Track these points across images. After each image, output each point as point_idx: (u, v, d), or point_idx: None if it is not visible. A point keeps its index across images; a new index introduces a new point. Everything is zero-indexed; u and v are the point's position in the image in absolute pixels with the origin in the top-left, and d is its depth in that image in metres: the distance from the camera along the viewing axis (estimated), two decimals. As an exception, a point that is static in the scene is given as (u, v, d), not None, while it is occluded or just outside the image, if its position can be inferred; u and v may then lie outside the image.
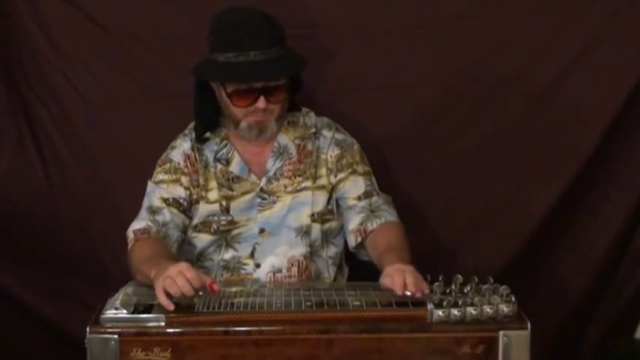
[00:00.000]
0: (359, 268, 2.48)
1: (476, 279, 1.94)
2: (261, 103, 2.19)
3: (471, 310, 1.89)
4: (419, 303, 1.93)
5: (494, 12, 2.59)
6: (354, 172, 2.33)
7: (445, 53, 2.60)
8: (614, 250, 2.67)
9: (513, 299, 1.91)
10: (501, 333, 1.88)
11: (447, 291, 1.94)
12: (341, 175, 2.33)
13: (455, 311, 1.89)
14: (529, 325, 1.90)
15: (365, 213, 2.29)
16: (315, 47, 2.60)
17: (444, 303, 1.90)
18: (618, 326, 2.68)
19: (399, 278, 1.96)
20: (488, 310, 1.90)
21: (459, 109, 2.63)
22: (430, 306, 1.90)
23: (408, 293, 1.94)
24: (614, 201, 2.64)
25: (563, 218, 2.65)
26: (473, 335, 1.89)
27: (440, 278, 1.95)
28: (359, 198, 2.31)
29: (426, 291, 1.95)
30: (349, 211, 2.32)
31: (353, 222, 2.31)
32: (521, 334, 1.89)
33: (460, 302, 1.90)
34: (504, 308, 1.90)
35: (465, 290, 1.93)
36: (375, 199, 2.31)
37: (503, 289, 1.92)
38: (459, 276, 1.95)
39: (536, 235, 2.65)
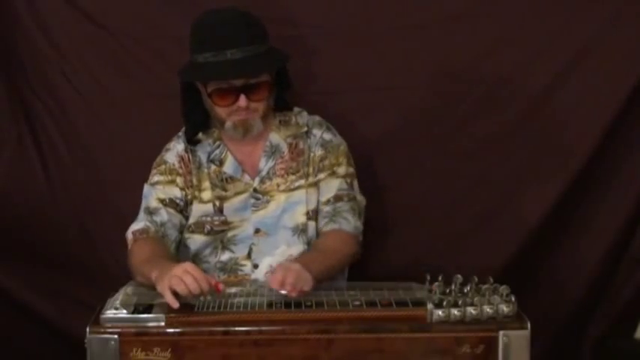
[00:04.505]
0: (359, 268, 2.49)
1: (476, 279, 1.94)
2: (242, 101, 2.20)
3: (470, 310, 1.89)
4: (419, 303, 1.93)
5: (494, 12, 2.59)
6: (332, 173, 2.33)
7: (445, 53, 2.60)
8: (614, 250, 2.66)
9: (513, 299, 1.91)
10: (501, 333, 1.89)
11: (447, 291, 1.94)
12: (320, 176, 2.33)
13: (455, 311, 1.89)
14: (529, 325, 1.90)
15: (328, 218, 2.30)
16: (315, 47, 2.60)
17: (444, 303, 1.90)
18: (618, 326, 2.67)
19: (279, 275, 1.97)
20: (488, 310, 1.90)
21: (458, 109, 2.63)
22: (430, 306, 1.90)
23: (284, 291, 1.95)
24: (614, 201, 2.64)
25: (562, 218, 2.65)
26: (473, 335, 1.89)
27: (440, 278, 1.95)
28: (327, 202, 2.31)
29: (306, 288, 1.97)
30: (319, 214, 2.32)
31: (319, 225, 2.32)
32: (521, 334, 1.89)
33: (460, 302, 1.91)
34: (504, 308, 1.90)
35: (465, 290, 1.93)
36: (340, 204, 2.31)
37: (503, 289, 1.92)
38: (459, 276, 1.95)
39: (536, 235, 2.65)
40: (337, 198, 2.31)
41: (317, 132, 2.36)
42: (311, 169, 2.33)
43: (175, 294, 1.94)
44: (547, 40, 2.58)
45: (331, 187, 2.32)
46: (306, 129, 2.36)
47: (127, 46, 2.64)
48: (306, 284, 1.98)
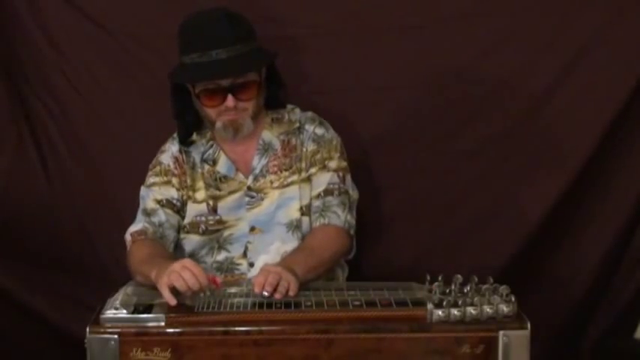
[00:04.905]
0: (358, 268, 2.49)
1: (476, 279, 1.94)
2: (229, 101, 2.21)
3: (470, 310, 1.89)
4: (419, 303, 1.93)
5: (494, 12, 2.59)
6: (323, 167, 2.33)
7: (445, 53, 2.60)
8: (614, 250, 2.66)
9: (513, 299, 1.91)
10: (501, 333, 1.89)
11: (447, 291, 1.94)
12: (312, 171, 2.33)
13: (455, 311, 1.89)
14: (529, 325, 1.90)
15: (318, 213, 2.30)
16: (314, 47, 2.60)
17: (444, 303, 1.90)
18: (618, 326, 2.67)
19: (261, 277, 1.98)
20: (488, 310, 1.90)
21: (458, 109, 2.63)
22: (430, 306, 1.90)
23: (265, 293, 1.96)
24: (614, 201, 2.64)
25: (562, 218, 2.65)
26: (473, 335, 1.89)
27: (440, 278, 1.95)
28: (318, 196, 2.31)
29: (291, 293, 1.97)
30: (310, 209, 2.32)
31: (311, 220, 2.32)
32: (521, 334, 1.89)
33: (460, 302, 1.91)
34: (504, 308, 1.90)
35: (465, 290, 1.93)
36: (330, 198, 2.30)
37: (503, 289, 1.92)
38: (459, 276, 1.95)
39: (536, 235, 2.65)
40: (327, 192, 2.31)
41: (309, 127, 2.36)
42: (304, 165, 2.33)
43: (175, 292, 1.95)
44: (547, 40, 2.58)
45: (322, 181, 2.32)
46: (298, 125, 2.36)
47: (127, 46, 2.64)
48: (291, 286, 1.99)
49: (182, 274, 1.94)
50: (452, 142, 2.65)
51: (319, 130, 2.36)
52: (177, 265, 1.96)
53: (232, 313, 1.93)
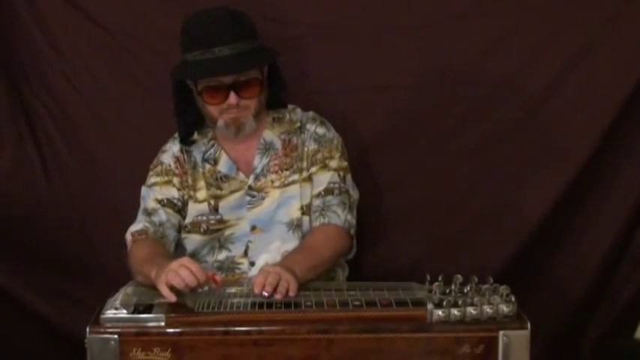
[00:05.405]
0: (358, 268, 2.49)
1: (476, 279, 1.94)
2: (232, 99, 2.21)
3: (470, 310, 1.89)
4: (419, 303, 1.93)
5: (494, 12, 2.59)
6: (324, 166, 2.33)
7: (445, 53, 2.60)
8: (614, 250, 2.66)
9: (513, 299, 1.91)
10: (501, 333, 1.89)
11: (447, 291, 1.94)
12: (312, 170, 2.33)
13: (455, 311, 1.89)
14: (529, 325, 1.90)
15: (318, 212, 2.30)
16: (314, 47, 2.60)
17: (444, 303, 1.90)
18: (618, 326, 2.67)
19: (261, 277, 1.99)
20: (488, 310, 1.90)
21: (458, 109, 2.63)
22: (430, 306, 1.90)
23: (266, 294, 1.96)
24: (614, 201, 2.64)
25: (562, 218, 2.65)
26: (473, 335, 1.89)
27: (440, 278, 1.95)
28: (318, 195, 2.31)
29: (291, 294, 1.98)
30: (310, 208, 2.32)
31: (311, 219, 2.32)
32: (521, 334, 1.89)
33: (460, 302, 1.91)
34: (504, 308, 1.90)
35: (465, 290, 1.93)
36: (330, 198, 2.30)
37: (503, 289, 1.92)
38: (459, 276, 1.95)
39: (536, 235, 2.65)
40: (328, 191, 2.31)
41: (310, 127, 2.36)
42: (305, 164, 2.33)
43: (175, 290, 1.95)
44: (547, 41, 2.58)
45: (322, 180, 2.32)
46: (299, 124, 2.37)
47: (127, 46, 2.64)
48: (291, 286, 1.99)
49: (179, 272, 1.95)
50: (452, 142, 2.65)
51: (320, 130, 2.36)
52: (174, 264, 1.97)
53: (232, 313, 1.93)
